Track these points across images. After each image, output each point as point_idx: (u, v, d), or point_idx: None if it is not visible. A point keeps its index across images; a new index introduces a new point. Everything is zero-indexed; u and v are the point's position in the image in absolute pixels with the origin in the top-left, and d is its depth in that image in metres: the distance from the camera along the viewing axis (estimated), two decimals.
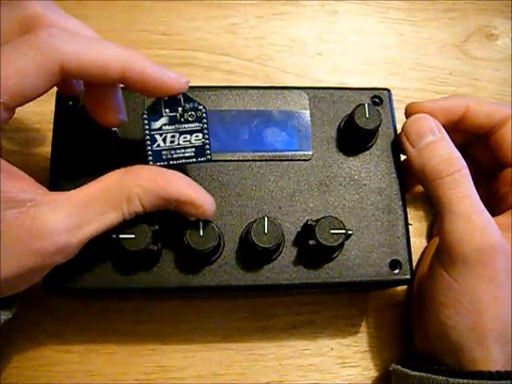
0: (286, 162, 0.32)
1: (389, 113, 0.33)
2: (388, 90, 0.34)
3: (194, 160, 0.28)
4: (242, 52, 0.41)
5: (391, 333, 0.35)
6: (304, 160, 0.32)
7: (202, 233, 0.27)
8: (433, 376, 0.28)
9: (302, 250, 0.30)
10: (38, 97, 0.25)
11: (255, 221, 0.28)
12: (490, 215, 0.29)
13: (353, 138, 0.32)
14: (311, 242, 0.28)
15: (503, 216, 0.32)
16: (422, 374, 0.28)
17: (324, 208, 0.31)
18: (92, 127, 0.29)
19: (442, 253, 0.29)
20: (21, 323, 0.33)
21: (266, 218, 0.28)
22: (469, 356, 0.28)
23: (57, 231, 0.23)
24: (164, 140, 0.27)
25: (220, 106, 0.32)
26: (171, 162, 0.27)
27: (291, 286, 0.30)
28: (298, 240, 0.30)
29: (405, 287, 0.35)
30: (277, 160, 0.32)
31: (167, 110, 0.27)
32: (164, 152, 0.27)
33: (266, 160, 0.32)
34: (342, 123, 0.33)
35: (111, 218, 0.25)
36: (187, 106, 0.27)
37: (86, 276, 0.29)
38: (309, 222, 0.29)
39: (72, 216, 0.24)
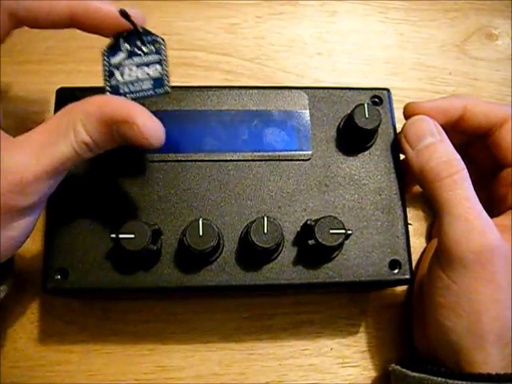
0: (286, 162, 0.32)
1: (388, 113, 0.33)
2: (388, 90, 0.34)
3: (152, 93, 0.27)
4: (242, 52, 0.41)
5: (391, 333, 0.35)
6: (303, 160, 0.32)
7: (201, 233, 0.27)
8: (432, 377, 0.28)
9: (302, 250, 0.30)
10: None
11: (255, 221, 0.28)
12: (488, 217, 0.29)
13: (352, 137, 0.32)
14: (311, 242, 0.28)
15: (502, 217, 0.32)
16: (422, 374, 0.28)
17: (323, 208, 0.31)
18: None
19: (441, 254, 0.29)
20: (21, 323, 0.33)
21: (265, 218, 0.28)
22: (468, 358, 0.28)
23: (9, 168, 0.23)
24: (122, 74, 0.27)
25: (220, 106, 0.32)
26: (128, 96, 0.27)
27: (291, 286, 0.30)
28: (298, 240, 0.30)
29: (405, 287, 0.35)
30: (276, 160, 0.32)
31: (126, 45, 0.27)
32: (121, 86, 0.27)
33: (266, 160, 0.32)
34: (342, 123, 0.33)
35: (62, 149, 0.24)
36: (146, 39, 0.27)
37: (86, 276, 0.29)
38: (308, 222, 0.29)
39: (26, 153, 0.24)
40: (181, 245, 0.29)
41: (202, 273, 0.29)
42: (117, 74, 0.27)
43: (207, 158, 0.31)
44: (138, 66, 0.27)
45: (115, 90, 0.27)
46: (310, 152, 0.32)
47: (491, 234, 0.28)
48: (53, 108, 0.32)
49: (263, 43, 0.41)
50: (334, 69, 0.41)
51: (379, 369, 0.34)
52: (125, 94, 0.27)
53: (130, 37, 0.27)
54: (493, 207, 0.33)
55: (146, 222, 0.28)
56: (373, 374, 0.34)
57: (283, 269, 0.30)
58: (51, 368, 0.33)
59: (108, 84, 0.27)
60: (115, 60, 0.27)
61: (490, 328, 0.27)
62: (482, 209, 0.29)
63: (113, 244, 0.28)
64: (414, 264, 0.32)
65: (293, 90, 0.33)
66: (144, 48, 0.27)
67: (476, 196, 0.29)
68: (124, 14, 0.26)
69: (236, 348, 0.34)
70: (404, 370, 0.30)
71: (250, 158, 0.31)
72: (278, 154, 0.32)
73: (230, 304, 0.35)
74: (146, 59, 0.27)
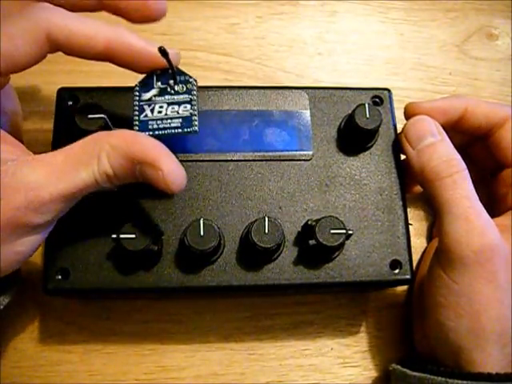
0: (287, 162, 0.32)
1: (389, 113, 0.33)
2: (388, 90, 0.34)
3: (180, 130, 0.27)
4: (242, 52, 0.41)
5: (391, 333, 0.35)
6: (304, 160, 0.32)
7: (202, 233, 0.27)
8: (432, 377, 0.28)
9: (303, 250, 0.30)
10: (28, 65, 0.26)
11: (255, 221, 0.28)
12: (489, 216, 0.29)
13: (353, 137, 0.32)
14: (311, 242, 0.28)
15: (502, 217, 0.32)
16: (422, 374, 0.28)
17: (324, 208, 0.31)
18: (92, 127, 0.29)
19: (441, 254, 0.29)
20: (21, 323, 0.33)
21: (266, 218, 0.28)
22: (468, 357, 0.28)
23: (29, 185, 0.24)
24: (152, 110, 0.27)
25: (220, 106, 0.32)
26: (157, 132, 0.27)
27: (291, 286, 0.30)
28: (299, 240, 0.30)
29: (405, 287, 0.35)
30: (277, 160, 0.32)
31: (159, 83, 0.27)
32: (151, 122, 0.27)
33: (267, 160, 0.32)
34: (343, 123, 0.33)
35: (82, 177, 0.24)
36: (178, 78, 0.28)
37: (86, 276, 0.29)
38: (309, 222, 0.29)
39: (47, 173, 0.24)
40: (182, 245, 0.29)
41: (202, 273, 0.29)
42: (147, 109, 0.27)
43: (208, 158, 0.31)
44: (169, 104, 0.27)
45: (144, 125, 0.27)
46: (310, 152, 0.32)
47: (491, 233, 0.28)
48: (53, 108, 0.31)
49: (263, 43, 0.41)
50: (334, 69, 0.41)
51: (380, 369, 0.34)
52: (153, 130, 0.27)
53: (163, 75, 0.28)
54: (493, 207, 0.33)
55: (147, 222, 0.28)
56: (373, 374, 0.34)
57: (284, 269, 0.30)
58: (51, 368, 0.33)
59: (137, 119, 0.27)
60: (146, 96, 0.27)
61: (490, 328, 0.27)
62: (483, 208, 0.29)
63: (114, 244, 0.28)
64: (414, 264, 0.32)
65: (293, 90, 0.33)
66: (176, 87, 0.28)
67: (476, 196, 0.29)
68: (163, 52, 0.26)
69: (236, 348, 0.34)
70: (404, 369, 0.30)
71: (250, 158, 0.31)
72: (278, 154, 0.32)
73: (230, 304, 0.35)
74: (176, 98, 0.27)
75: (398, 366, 0.31)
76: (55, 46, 0.26)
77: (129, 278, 0.29)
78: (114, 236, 0.27)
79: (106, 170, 0.25)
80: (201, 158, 0.31)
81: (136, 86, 0.28)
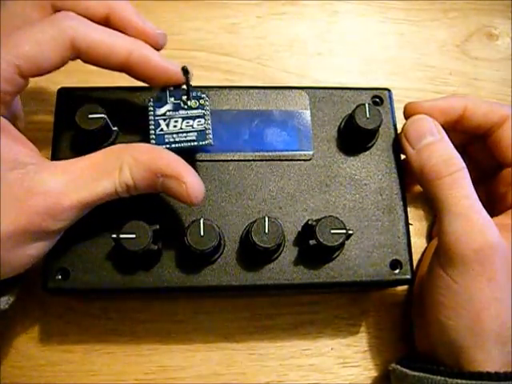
0: (287, 162, 0.32)
1: (389, 113, 0.33)
2: (388, 90, 0.34)
3: (196, 144, 0.29)
4: (242, 52, 0.41)
5: (391, 333, 0.35)
6: (304, 160, 0.32)
7: (202, 233, 0.27)
8: (432, 376, 0.28)
9: (303, 250, 0.30)
10: (50, 70, 0.27)
11: (256, 221, 0.28)
12: (488, 215, 0.29)
13: (353, 137, 0.32)
14: (312, 242, 0.28)
15: (502, 216, 0.32)
16: (421, 374, 0.28)
17: (324, 208, 0.31)
18: (92, 127, 0.29)
19: (441, 253, 0.29)
20: (21, 323, 0.33)
21: (266, 218, 0.28)
22: (468, 356, 0.28)
23: (49, 191, 0.24)
24: (167, 125, 0.29)
25: (220, 106, 0.32)
26: (173, 146, 0.28)
27: (291, 286, 0.30)
28: (299, 240, 0.30)
29: (405, 287, 0.35)
30: (277, 160, 0.32)
31: (172, 99, 0.29)
32: (167, 136, 0.28)
33: (267, 160, 0.32)
34: (343, 123, 0.33)
35: (104, 186, 0.25)
36: (191, 94, 0.29)
37: (86, 276, 0.29)
38: (309, 222, 0.29)
39: (67, 180, 0.25)
40: (182, 245, 0.29)
41: (202, 273, 0.29)
42: (162, 124, 0.29)
43: (208, 158, 0.31)
44: (183, 118, 0.29)
45: (161, 139, 0.28)
46: (310, 152, 0.32)
47: (491, 232, 0.28)
48: (53, 108, 0.31)
49: (264, 43, 0.41)
50: (334, 69, 0.41)
51: (380, 369, 0.34)
52: (170, 144, 0.28)
53: (177, 91, 0.29)
54: (493, 206, 0.33)
55: (147, 221, 0.28)
56: (373, 373, 0.34)
57: (284, 269, 0.30)
58: (51, 368, 0.33)
59: (154, 133, 0.28)
60: (161, 111, 0.29)
61: (490, 327, 0.27)
62: (482, 207, 0.29)
63: (114, 244, 0.28)
64: (414, 264, 0.32)
65: (293, 90, 0.33)
66: (189, 103, 0.29)
67: (476, 195, 0.29)
68: (186, 71, 0.28)
69: (236, 348, 0.34)
70: (404, 369, 0.30)
71: (250, 158, 0.31)
72: (278, 154, 0.32)
73: (230, 304, 0.34)
74: (190, 113, 0.29)
75: (398, 366, 0.31)
76: (77, 53, 0.27)
77: (129, 278, 0.29)
78: (114, 236, 0.27)
79: (127, 182, 0.26)
80: (201, 158, 0.31)
81: (149, 101, 0.29)
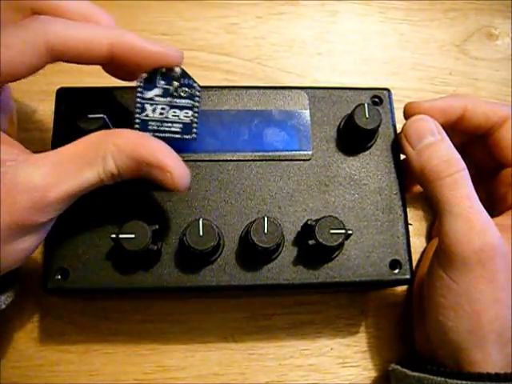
0: (286, 162, 0.32)
1: (389, 113, 0.33)
2: (388, 90, 0.34)
3: (179, 136, 0.27)
4: (242, 52, 0.41)
5: (391, 333, 0.35)
6: (304, 160, 0.32)
7: (201, 233, 0.27)
8: (432, 377, 0.28)
9: (302, 250, 0.30)
10: (27, 75, 0.26)
11: (255, 221, 0.28)
12: (489, 216, 0.29)
13: (353, 137, 0.32)
14: (311, 242, 0.28)
15: (502, 217, 0.32)
16: (421, 374, 0.28)
17: (324, 208, 0.31)
18: (92, 127, 0.29)
19: (441, 254, 0.29)
20: (20, 323, 0.33)
21: (265, 218, 0.28)
22: (468, 357, 0.28)
23: (33, 187, 0.24)
24: (154, 111, 0.27)
25: (220, 106, 0.32)
26: (156, 134, 0.27)
27: (291, 286, 0.30)
28: (298, 240, 0.30)
29: (405, 287, 0.35)
30: (277, 160, 0.32)
31: (162, 82, 0.27)
32: (151, 122, 0.27)
33: (266, 160, 0.32)
34: (342, 123, 0.33)
35: (87, 176, 0.25)
36: (183, 81, 0.28)
37: (86, 276, 0.29)
38: (309, 222, 0.29)
39: (51, 173, 0.24)
40: (181, 245, 0.29)
41: (202, 273, 0.29)
42: (148, 109, 0.27)
43: (207, 158, 0.31)
44: (171, 106, 0.27)
45: (144, 125, 0.27)
46: (310, 152, 0.32)
47: (492, 233, 0.28)
48: (53, 108, 0.31)
49: (263, 43, 0.41)
50: (334, 69, 0.41)
51: (379, 369, 0.34)
52: (153, 131, 0.27)
53: (168, 74, 0.27)
54: (492, 207, 0.33)
55: (147, 221, 0.28)
56: (373, 373, 0.34)
57: (283, 269, 0.30)
58: (51, 368, 0.33)
59: (138, 117, 0.27)
60: (149, 94, 0.27)
61: (490, 328, 0.27)
62: (483, 208, 0.29)
63: (113, 244, 0.28)
64: (414, 264, 0.32)
65: (293, 90, 0.33)
66: (180, 90, 0.28)
67: (476, 195, 0.29)
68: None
69: (236, 348, 0.34)
70: (404, 369, 0.30)
71: (250, 158, 0.31)
72: (278, 154, 0.32)
73: (229, 304, 0.35)
74: (179, 102, 0.28)
75: (398, 366, 0.31)
76: (56, 55, 0.26)
77: (128, 278, 0.29)
78: (114, 236, 0.27)
79: (112, 170, 0.25)
80: (200, 158, 0.31)
81: (140, 81, 0.27)
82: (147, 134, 0.27)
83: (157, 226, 0.28)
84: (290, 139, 0.32)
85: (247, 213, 0.31)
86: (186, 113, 0.28)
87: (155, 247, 0.28)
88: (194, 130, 0.28)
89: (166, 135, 0.27)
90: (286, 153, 0.32)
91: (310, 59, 0.41)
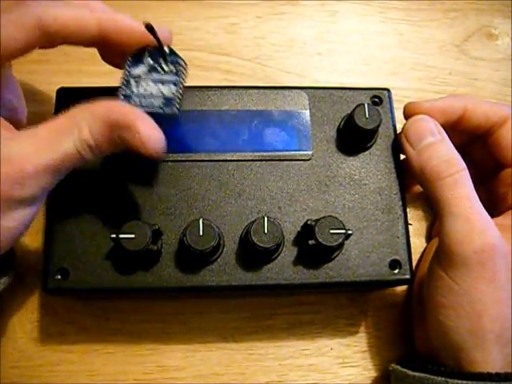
0: (286, 162, 0.32)
1: (389, 113, 0.33)
2: (388, 90, 0.34)
3: (161, 111, 0.27)
4: (242, 52, 0.41)
5: (391, 333, 0.35)
6: (304, 160, 0.32)
7: (201, 233, 0.27)
8: (432, 376, 0.28)
9: (302, 250, 0.30)
10: (19, 53, 0.26)
11: (255, 221, 0.28)
12: (489, 216, 0.29)
13: (353, 137, 0.32)
14: (311, 242, 0.28)
15: (502, 217, 0.32)
16: (421, 374, 0.28)
17: (324, 208, 0.31)
18: None
19: (442, 254, 0.29)
20: (20, 323, 0.33)
21: (265, 218, 0.28)
22: (468, 357, 0.28)
23: (12, 159, 0.24)
24: (137, 86, 0.27)
25: (220, 106, 0.32)
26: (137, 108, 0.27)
27: (291, 286, 0.30)
28: (298, 240, 0.30)
29: (405, 287, 0.35)
30: (277, 160, 0.32)
31: (149, 59, 0.28)
32: (134, 97, 0.27)
33: (266, 160, 0.32)
34: (342, 123, 0.33)
35: (65, 146, 0.25)
36: (169, 58, 0.28)
37: (86, 276, 0.29)
38: (308, 222, 0.29)
39: (28, 146, 0.24)
40: (181, 245, 0.29)
41: (202, 273, 0.29)
42: (133, 84, 0.27)
43: (207, 158, 0.31)
44: (155, 82, 0.28)
45: (127, 99, 0.27)
46: (310, 152, 0.32)
47: (492, 233, 0.28)
48: (53, 108, 0.31)
49: (263, 43, 0.41)
50: (334, 69, 0.41)
51: (379, 369, 0.34)
52: (135, 106, 0.27)
53: (155, 52, 0.28)
54: (493, 207, 0.33)
55: (147, 221, 0.28)
56: (373, 373, 0.34)
57: (283, 269, 0.30)
58: (51, 368, 0.33)
59: (122, 92, 0.27)
60: (136, 71, 0.28)
61: (490, 328, 0.27)
62: (483, 208, 0.29)
63: (113, 244, 0.28)
64: (414, 264, 0.32)
65: (293, 90, 0.33)
66: (165, 66, 0.28)
67: (477, 196, 0.29)
68: (150, 28, 0.27)
69: (236, 348, 0.34)
70: (404, 369, 0.30)
71: (250, 158, 0.31)
72: (278, 154, 0.32)
73: (229, 304, 0.35)
74: (163, 77, 0.28)
75: (398, 366, 0.31)
76: (48, 34, 0.26)
77: (128, 278, 0.29)
78: (114, 236, 0.27)
79: (87, 139, 0.25)
80: (200, 158, 0.31)
81: (128, 58, 0.28)
82: (124, 103, 0.27)
83: (157, 226, 0.28)
84: (289, 139, 0.32)
85: (247, 213, 0.30)
86: (170, 88, 0.28)
87: (155, 247, 0.28)
88: (177, 106, 0.27)
89: (148, 109, 0.27)
90: (286, 153, 0.32)
91: (310, 59, 0.41)
